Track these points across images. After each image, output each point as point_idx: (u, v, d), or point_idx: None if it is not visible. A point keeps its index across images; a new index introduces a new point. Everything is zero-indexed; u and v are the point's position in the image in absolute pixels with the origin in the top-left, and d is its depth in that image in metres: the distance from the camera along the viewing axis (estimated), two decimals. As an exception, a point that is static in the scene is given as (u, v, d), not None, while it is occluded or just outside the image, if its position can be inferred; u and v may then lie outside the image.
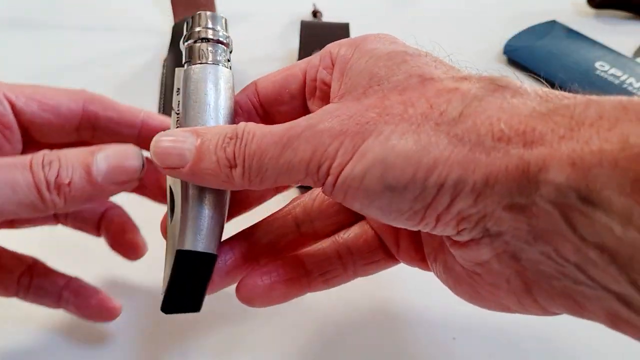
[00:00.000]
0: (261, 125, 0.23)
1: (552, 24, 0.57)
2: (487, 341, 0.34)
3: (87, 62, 0.54)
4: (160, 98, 0.50)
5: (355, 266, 0.28)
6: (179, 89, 0.26)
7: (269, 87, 0.28)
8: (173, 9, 0.53)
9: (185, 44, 0.27)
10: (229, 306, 0.32)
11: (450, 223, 0.21)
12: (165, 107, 0.48)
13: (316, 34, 0.50)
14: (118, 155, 0.25)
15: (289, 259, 0.28)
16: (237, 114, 0.27)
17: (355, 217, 0.29)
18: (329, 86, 0.25)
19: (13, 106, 0.29)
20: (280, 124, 0.23)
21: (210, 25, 0.27)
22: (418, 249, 0.27)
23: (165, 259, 0.26)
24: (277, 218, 0.29)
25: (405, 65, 0.23)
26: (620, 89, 0.50)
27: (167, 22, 0.57)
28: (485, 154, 0.19)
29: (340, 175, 0.21)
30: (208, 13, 0.27)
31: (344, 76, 0.24)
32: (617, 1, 0.59)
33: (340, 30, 0.50)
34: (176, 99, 0.26)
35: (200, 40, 0.26)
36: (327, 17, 0.58)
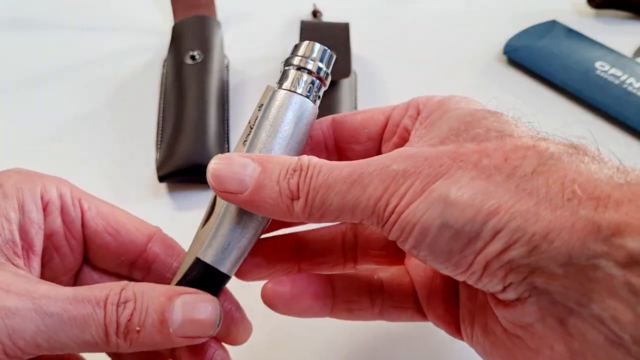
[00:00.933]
0: (326, 161, 0.23)
1: (552, 24, 0.57)
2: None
3: (87, 62, 0.54)
4: (161, 98, 0.50)
5: (382, 306, 0.28)
6: (262, 105, 0.26)
7: (347, 124, 0.28)
8: (173, 9, 0.53)
9: (286, 66, 0.27)
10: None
11: (498, 273, 0.20)
12: (165, 107, 0.48)
13: (316, 34, 0.50)
14: (198, 308, 0.24)
15: (321, 275, 0.28)
16: (305, 143, 0.28)
17: (398, 261, 0.29)
18: (409, 134, 0.26)
19: (83, 215, 0.27)
20: (347, 162, 0.23)
21: (315, 58, 0.27)
22: (448, 309, 0.26)
23: (186, 253, 0.26)
24: (326, 235, 0.29)
25: (486, 121, 0.23)
26: (620, 89, 0.50)
27: (167, 22, 0.56)
28: (551, 210, 0.19)
29: (403, 212, 0.21)
30: (319, 46, 0.27)
31: (424, 127, 0.25)
32: (617, 1, 0.59)
33: (340, 30, 0.50)
34: (255, 113, 0.26)
35: (300, 69, 0.26)
36: (327, 17, 0.58)
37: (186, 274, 0.25)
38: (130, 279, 0.26)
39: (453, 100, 0.26)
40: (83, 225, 0.27)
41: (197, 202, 0.43)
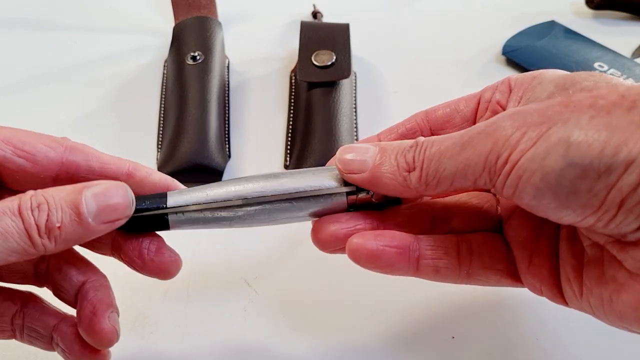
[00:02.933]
0: (439, 136, 0.25)
1: (551, 24, 0.57)
2: (486, 340, 0.35)
3: (88, 62, 0.55)
4: (161, 99, 0.50)
5: (470, 266, 0.27)
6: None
7: (440, 111, 0.30)
8: (174, 10, 0.54)
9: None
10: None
11: (635, 209, 0.19)
12: (166, 108, 0.48)
13: (316, 35, 0.50)
14: (107, 194, 0.25)
15: (406, 233, 0.27)
16: (403, 137, 0.30)
17: (492, 226, 0.29)
18: (503, 108, 0.27)
19: None
20: (456, 132, 0.24)
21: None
22: (552, 271, 0.26)
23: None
24: (415, 206, 0.29)
25: (591, 77, 0.24)
26: (618, 89, 0.50)
27: (168, 23, 0.57)
28: None
29: (519, 161, 0.21)
30: None
31: (522, 96, 0.26)
32: (615, 2, 0.59)
33: (341, 31, 0.51)
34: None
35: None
36: (327, 17, 0.58)
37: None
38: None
39: (548, 71, 0.26)
40: None
41: (198, 202, 0.43)
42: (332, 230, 0.27)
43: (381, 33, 0.59)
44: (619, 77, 0.51)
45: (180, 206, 0.27)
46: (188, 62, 0.48)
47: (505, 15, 0.60)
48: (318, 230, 0.28)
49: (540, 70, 0.27)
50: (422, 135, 0.29)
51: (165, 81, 0.51)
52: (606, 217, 0.20)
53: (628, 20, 0.60)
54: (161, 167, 0.43)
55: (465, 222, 0.29)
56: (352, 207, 0.28)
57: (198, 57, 0.48)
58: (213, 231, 0.28)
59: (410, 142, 0.25)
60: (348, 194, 0.27)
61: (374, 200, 0.27)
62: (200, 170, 0.43)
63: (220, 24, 0.53)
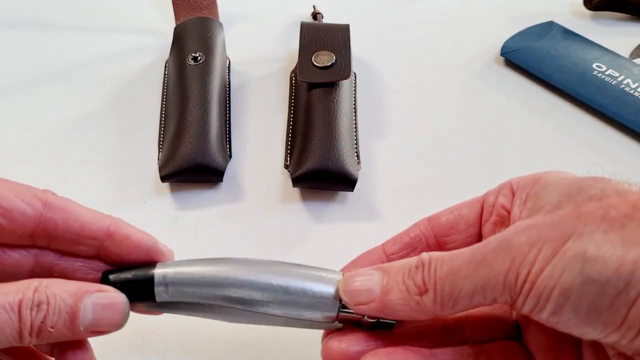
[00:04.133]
0: (445, 252, 0.24)
1: (550, 25, 0.58)
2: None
3: (89, 63, 0.55)
4: (163, 99, 0.50)
5: None
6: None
7: (444, 218, 0.29)
8: (175, 10, 0.54)
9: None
10: None
11: None
12: (167, 108, 0.48)
13: (316, 35, 0.50)
14: (107, 308, 0.25)
15: (420, 350, 0.26)
16: (408, 246, 0.29)
17: (509, 333, 0.28)
18: (507, 211, 0.26)
19: None
20: (466, 248, 0.23)
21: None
22: None
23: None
24: (425, 320, 0.28)
25: (598, 184, 0.23)
26: (617, 90, 0.51)
27: (168, 23, 0.57)
28: None
29: (537, 279, 0.21)
30: None
31: (527, 201, 0.25)
32: (613, 3, 0.59)
33: (341, 32, 0.51)
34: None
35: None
36: (327, 18, 0.59)
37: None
38: (36, 247, 0.27)
39: (549, 173, 0.26)
40: None
41: (199, 202, 0.44)
42: (343, 348, 0.26)
43: (381, 33, 0.59)
44: (617, 77, 0.52)
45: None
46: (189, 63, 0.48)
47: (504, 15, 0.60)
48: (329, 348, 0.27)
49: (541, 173, 0.26)
50: (427, 243, 0.29)
51: (166, 81, 0.51)
52: (630, 334, 0.20)
53: (626, 20, 0.60)
54: (162, 167, 0.44)
55: (480, 330, 0.28)
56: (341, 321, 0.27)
57: (199, 58, 0.49)
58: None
59: (414, 261, 0.24)
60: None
61: (364, 324, 0.27)
62: (201, 170, 0.43)
63: (221, 24, 0.53)
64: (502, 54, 0.55)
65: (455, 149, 0.48)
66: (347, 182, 0.43)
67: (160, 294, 0.27)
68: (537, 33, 0.57)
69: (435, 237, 0.29)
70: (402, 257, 0.29)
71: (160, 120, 0.49)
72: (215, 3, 0.54)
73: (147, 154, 0.47)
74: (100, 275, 0.28)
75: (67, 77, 0.53)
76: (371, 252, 0.30)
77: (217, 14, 0.55)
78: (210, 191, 0.44)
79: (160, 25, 0.59)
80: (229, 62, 0.53)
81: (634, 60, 0.54)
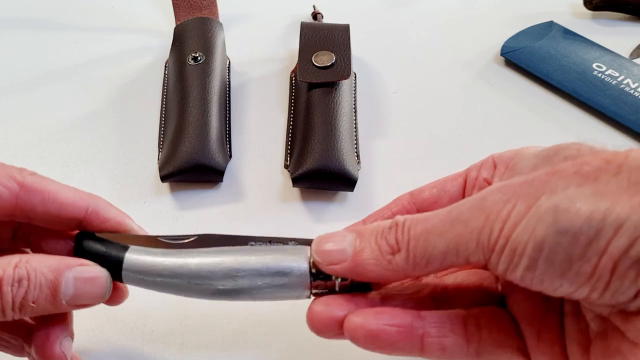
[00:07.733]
0: (420, 214, 0.24)
1: (550, 25, 0.58)
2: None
3: (89, 63, 0.55)
4: (163, 99, 0.50)
5: (480, 344, 0.25)
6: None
7: (426, 192, 0.29)
8: (175, 11, 0.54)
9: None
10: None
11: (629, 274, 0.19)
12: (167, 108, 0.48)
13: (316, 35, 0.50)
14: (88, 282, 0.25)
15: (407, 311, 0.26)
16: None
17: (496, 304, 0.28)
18: (490, 184, 0.27)
19: None
20: (441, 208, 0.23)
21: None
22: (562, 347, 0.25)
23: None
24: (411, 286, 0.28)
25: (573, 145, 0.23)
26: (617, 90, 0.51)
27: (169, 23, 0.57)
28: None
29: (512, 234, 0.21)
30: None
31: (506, 172, 0.26)
32: (613, 3, 0.59)
33: (341, 32, 0.51)
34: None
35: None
36: (327, 18, 0.59)
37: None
38: (16, 221, 0.27)
39: (529, 147, 0.26)
40: None
41: (199, 202, 0.44)
42: (328, 311, 0.26)
43: (381, 33, 0.59)
44: (617, 77, 0.52)
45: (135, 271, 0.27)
46: (189, 63, 0.48)
47: (504, 15, 0.61)
48: (314, 311, 0.26)
49: (521, 147, 0.27)
50: None
51: (166, 82, 0.51)
52: (600, 285, 0.20)
53: (626, 20, 0.60)
54: (162, 167, 0.44)
55: (467, 302, 0.28)
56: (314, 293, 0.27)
57: (199, 58, 0.49)
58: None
59: (388, 222, 0.24)
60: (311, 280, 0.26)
61: (337, 288, 0.26)
62: (201, 170, 0.43)
63: (221, 24, 0.53)
64: (502, 54, 0.55)
65: (455, 148, 0.48)
66: (347, 182, 0.43)
67: (127, 275, 0.27)
68: (537, 33, 0.57)
69: (417, 212, 0.29)
70: None
71: (160, 120, 0.49)
72: (215, 3, 0.54)
73: (147, 154, 0.47)
74: (75, 235, 0.28)
75: (68, 77, 0.54)
76: (352, 225, 0.31)
77: (217, 14, 0.55)
78: (210, 191, 0.45)
79: (160, 25, 0.59)
80: (229, 62, 0.53)
81: (634, 60, 0.54)
